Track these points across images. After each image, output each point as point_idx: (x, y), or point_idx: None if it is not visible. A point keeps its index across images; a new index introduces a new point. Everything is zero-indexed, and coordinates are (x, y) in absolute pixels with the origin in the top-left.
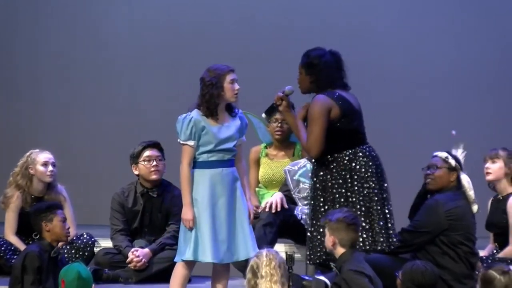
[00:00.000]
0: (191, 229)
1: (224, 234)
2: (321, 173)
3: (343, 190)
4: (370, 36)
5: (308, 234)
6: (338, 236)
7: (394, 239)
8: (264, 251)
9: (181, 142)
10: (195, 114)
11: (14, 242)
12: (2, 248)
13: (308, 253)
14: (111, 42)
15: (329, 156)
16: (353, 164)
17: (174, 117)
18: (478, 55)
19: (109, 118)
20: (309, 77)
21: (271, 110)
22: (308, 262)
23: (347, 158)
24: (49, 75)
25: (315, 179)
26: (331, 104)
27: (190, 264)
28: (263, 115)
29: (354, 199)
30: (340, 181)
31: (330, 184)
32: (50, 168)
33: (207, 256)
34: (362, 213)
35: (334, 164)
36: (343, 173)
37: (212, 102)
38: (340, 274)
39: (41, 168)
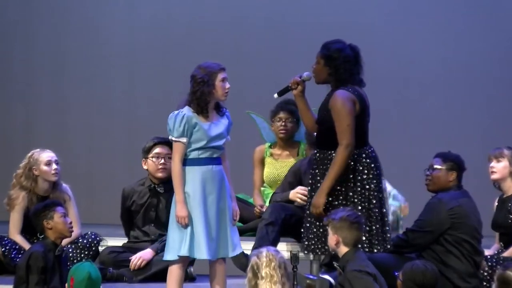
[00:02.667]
0: (186, 226)
1: (214, 231)
2: (323, 166)
3: (343, 188)
4: (363, 35)
5: (307, 224)
6: (341, 235)
7: (390, 241)
8: (264, 251)
9: (173, 139)
10: (187, 110)
11: (19, 242)
12: (7, 248)
13: (305, 243)
14: (106, 41)
15: (333, 152)
16: (357, 165)
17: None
18: (471, 55)
19: (106, 117)
20: (327, 68)
21: (284, 92)
22: (304, 252)
23: (351, 158)
24: (45, 74)
25: (316, 171)
26: (354, 99)
27: (184, 261)
28: (275, 95)
29: (355, 200)
30: (340, 179)
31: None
32: (54, 166)
33: (202, 252)
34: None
35: None
36: (347, 172)
37: (203, 99)
38: (343, 274)
39: (45, 168)
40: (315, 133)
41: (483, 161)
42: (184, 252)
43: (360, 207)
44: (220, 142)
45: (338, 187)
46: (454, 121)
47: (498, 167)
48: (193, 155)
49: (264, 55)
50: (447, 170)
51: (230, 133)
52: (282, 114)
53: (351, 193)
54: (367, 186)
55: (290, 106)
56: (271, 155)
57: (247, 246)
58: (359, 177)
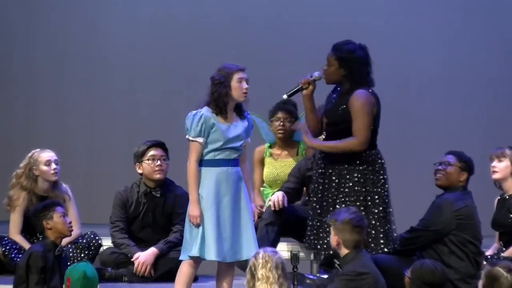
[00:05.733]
0: (197, 225)
1: (228, 233)
2: (338, 166)
3: (364, 189)
4: (363, 35)
5: (309, 222)
6: (342, 237)
7: (395, 244)
8: (261, 252)
9: (190, 138)
10: (205, 111)
11: (19, 241)
12: (7, 247)
13: (307, 240)
14: (106, 41)
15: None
16: (376, 166)
17: (169, 116)
18: (471, 55)
19: (106, 117)
20: (342, 70)
21: (295, 92)
22: (313, 252)
23: (372, 158)
24: (45, 74)
25: (330, 171)
26: (374, 101)
27: (196, 262)
28: (284, 96)
29: (376, 201)
30: (362, 181)
31: (344, 180)
32: (53, 166)
33: (211, 253)
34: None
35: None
36: (366, 174)
37: (220, 100)
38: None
39: (44, 168)
40: (325, 134)
41: (483, 161)
42: (194, 252)
43: (381, 208)
44: (237, 144)
45: (362, 189)
46: (454, 121)
47: (500, 167)
48: (209, 156)
49: (264, 55)
50: (460, 169)
51: (250, 135)
52: (280, 114)
53: (372, 194)
54: (386, 186)
55: (289, 106)
56: (271, 155)
57: None
58: (376, 179)
